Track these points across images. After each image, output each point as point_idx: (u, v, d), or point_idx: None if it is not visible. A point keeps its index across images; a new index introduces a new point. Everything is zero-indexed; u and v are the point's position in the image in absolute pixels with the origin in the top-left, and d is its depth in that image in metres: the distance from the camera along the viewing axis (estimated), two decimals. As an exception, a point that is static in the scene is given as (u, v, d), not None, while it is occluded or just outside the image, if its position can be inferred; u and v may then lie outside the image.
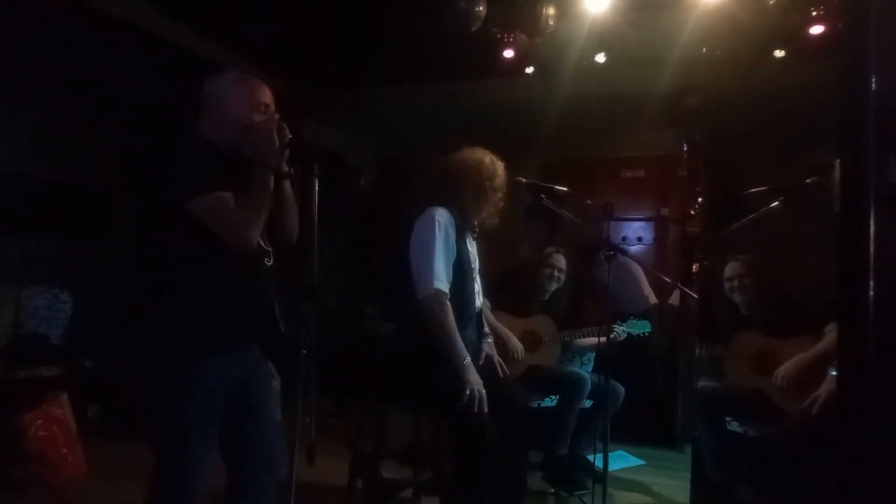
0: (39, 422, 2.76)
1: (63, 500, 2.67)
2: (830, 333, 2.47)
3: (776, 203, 2.51)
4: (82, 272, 3.62)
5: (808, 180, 2.42)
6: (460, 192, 2.30)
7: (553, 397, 3.10)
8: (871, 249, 0.86)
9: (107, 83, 3.75)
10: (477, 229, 2.41)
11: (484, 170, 2.32)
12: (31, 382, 3.02)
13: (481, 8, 3.01)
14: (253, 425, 1.70)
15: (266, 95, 1.72)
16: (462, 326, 2.24)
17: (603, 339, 2.85)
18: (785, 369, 2.53)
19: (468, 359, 2.17)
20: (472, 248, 2.41)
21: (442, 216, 2.22)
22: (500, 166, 2.36)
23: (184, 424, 1.54)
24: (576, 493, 2.96)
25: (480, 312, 2.48)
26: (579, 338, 3.10)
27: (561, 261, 3.23)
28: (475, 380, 2.14)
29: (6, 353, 3.11)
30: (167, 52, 3.75)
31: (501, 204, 2.39)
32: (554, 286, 3.23)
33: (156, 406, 1.58)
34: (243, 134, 1.64)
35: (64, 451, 2.83)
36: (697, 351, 2.83)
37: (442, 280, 2.18)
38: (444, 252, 2.19)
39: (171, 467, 1.56)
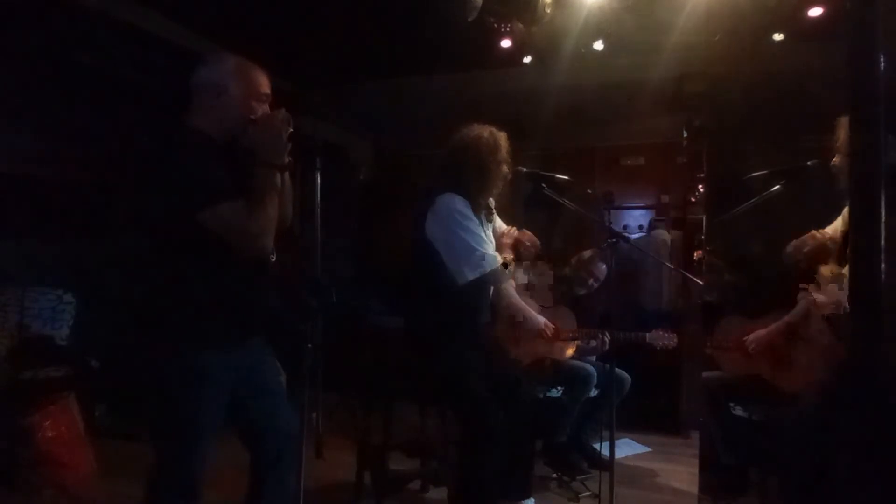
0: (47, 422, 2.76)
1: (73, 500, 2.69)
2: (801, 301, 2.49)
3: (777, 186, 2.51)
4: (85, 272, 3.63)
5: (809, 162, 2.40)
6: (465, 174, 2.28)
7: (558, 388, 3.11)
8: (883, 232, 0.86)
9: (107, 83, 3.74)
10: (492, 210, 2.41)
11: (484, 145, 2.29)
12: (37, 383, 3.02)
13: (477, -3, 2.99)
14: (261, 402, 1.72)
15: (267, 84, 1.68)
16: (478, 310, 2.25)
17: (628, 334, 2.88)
18: (754, 338, 2.57)
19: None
20: (487, 231, 2.40)
21: (456, 202, 2.21)
22: (500, 137, 2.34)
23: (188, 419, 1.55)
24: (577, 477, 2.98)
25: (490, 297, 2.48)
26: (600, 337, 3.06)
27: (602, 271, 3.16)
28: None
29: (12, 354, 3.11)
30: (162, 50, 3.73)
31: (509, 176, 2.37)
32: (583, 291, 3.20)
33: (161, 402, 1.59)
34: (248, 128, 1.60)
35: (72, 451, 2.84)
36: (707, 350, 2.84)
37: (492, 257, 2.21)
38: (474, 232, 2.20)
39: (177, 460, 1.57)
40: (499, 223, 2.58)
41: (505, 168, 2.33)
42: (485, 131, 2.33)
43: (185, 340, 1.55)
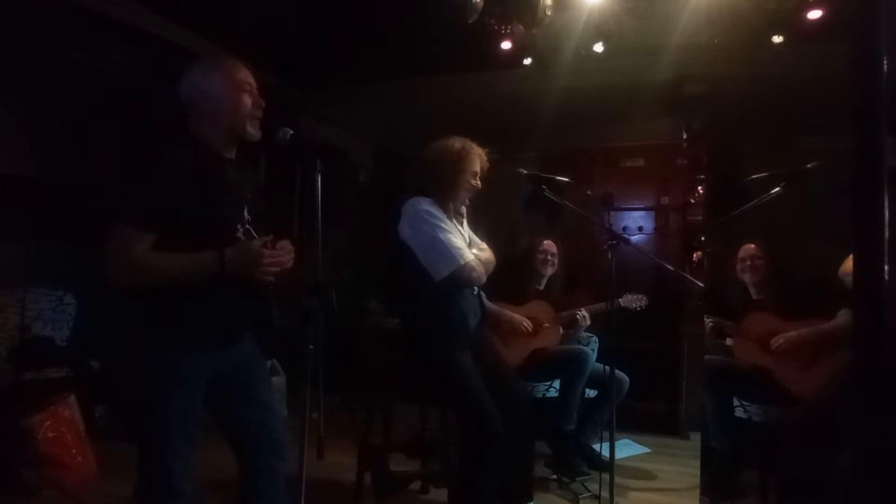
0: (48, 423, 2.77)
1: (73, 500, 2.69)
2: (843, 316, 2.47)
3: (777, 189, 2.51)
4: (86, 274, 3.62)
5: (808, 165, 2.41)
6: (433, 180, 2.32)
7: (556, 387, 3.12)
8: (887, 235, 0.86)
9: (108, 84, 3.75)
10: (463, 215, 2.42)
11: (453, 156, 2.33)
12: (38, 384, 3.03)
13: (478, -1, 2.99)
14: (251, 411, 1.73)
15: (249, 75, 1.69)
16: (465, 309, 2.26)
17: (599, 304, 3.07)
18: (784, 336, 2.56)
19: None
20: (463, 233, 2.41)
21: (423, 203, 2.25)
22: (472, 151, 2.36)
23: (163, 418, 1.56)
24: (577, 479, 2.99)
25: (480, 296, 2.49)
26: (577, 314, 3.16)
27: (552, 246, 3.32)
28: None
29: (13, 356, 3.11)
30: (163, 52, 3.74)
31: (478, 187, 2.39)
32: (550, 270, 3.31)
33: (138, 401, 1.60)
34: (248, 127, 1.66)
35: (73, 452, 2.85)
36: (706, 326, 2.85)
37: (464, 251, 2.22)
38: (445, 229, 2.22)
39: (154, 460, 1.57)
40: (470, 233, 2.57)
41: (472, 180, 2.35)
42: (457, 143, 2.35)
43: (157, 340, 1.55)
